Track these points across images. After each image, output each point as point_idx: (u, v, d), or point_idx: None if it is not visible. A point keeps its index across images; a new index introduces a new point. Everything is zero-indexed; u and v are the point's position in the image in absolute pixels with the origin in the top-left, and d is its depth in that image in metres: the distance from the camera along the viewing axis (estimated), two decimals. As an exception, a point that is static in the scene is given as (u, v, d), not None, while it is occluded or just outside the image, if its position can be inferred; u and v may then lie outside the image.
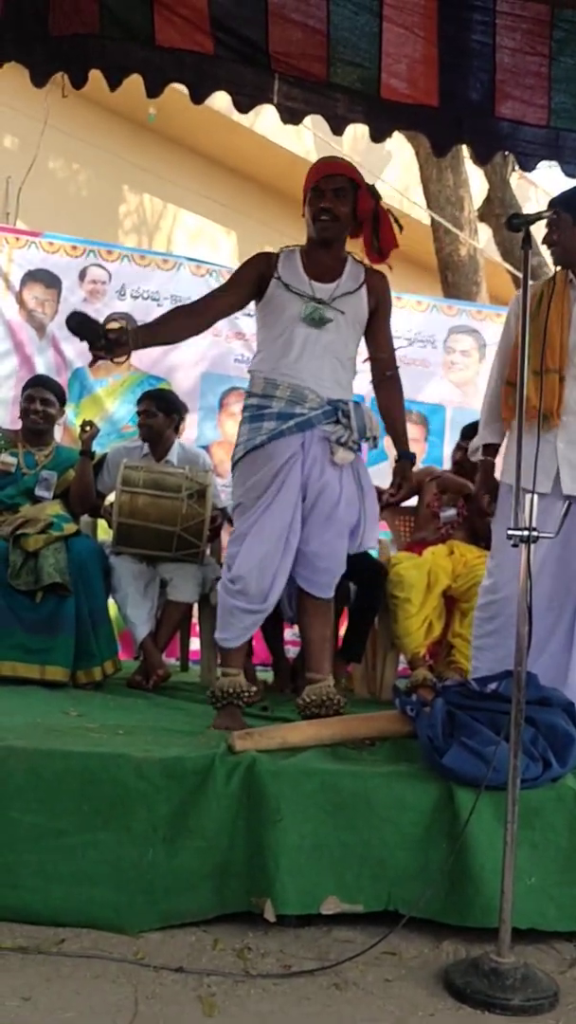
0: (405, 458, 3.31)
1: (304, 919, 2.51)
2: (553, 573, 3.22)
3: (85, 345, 5.81)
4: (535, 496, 2.39)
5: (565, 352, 3.17)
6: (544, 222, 3.29)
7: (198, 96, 3.64)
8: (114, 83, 3.58)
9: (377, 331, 3.29)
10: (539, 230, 2.80)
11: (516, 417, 2.40)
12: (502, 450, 3.44)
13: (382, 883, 2.50)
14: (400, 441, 3.34)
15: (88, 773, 2.52)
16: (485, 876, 2.45)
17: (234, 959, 2.37)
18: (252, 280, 3.16)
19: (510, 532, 2.35)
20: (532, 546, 2.36)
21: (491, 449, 3.46)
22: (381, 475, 5.90)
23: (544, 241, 3.26)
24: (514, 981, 2.22)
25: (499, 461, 3.47)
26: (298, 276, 3.12)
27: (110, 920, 2.44)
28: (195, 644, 4.66)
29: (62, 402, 4.41)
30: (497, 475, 3.42)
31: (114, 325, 2.95)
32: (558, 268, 3.28)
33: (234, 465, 3.12)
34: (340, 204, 3.14)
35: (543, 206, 3.28)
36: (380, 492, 3.52)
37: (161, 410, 4.40)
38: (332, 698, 3.11)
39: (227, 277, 5.79)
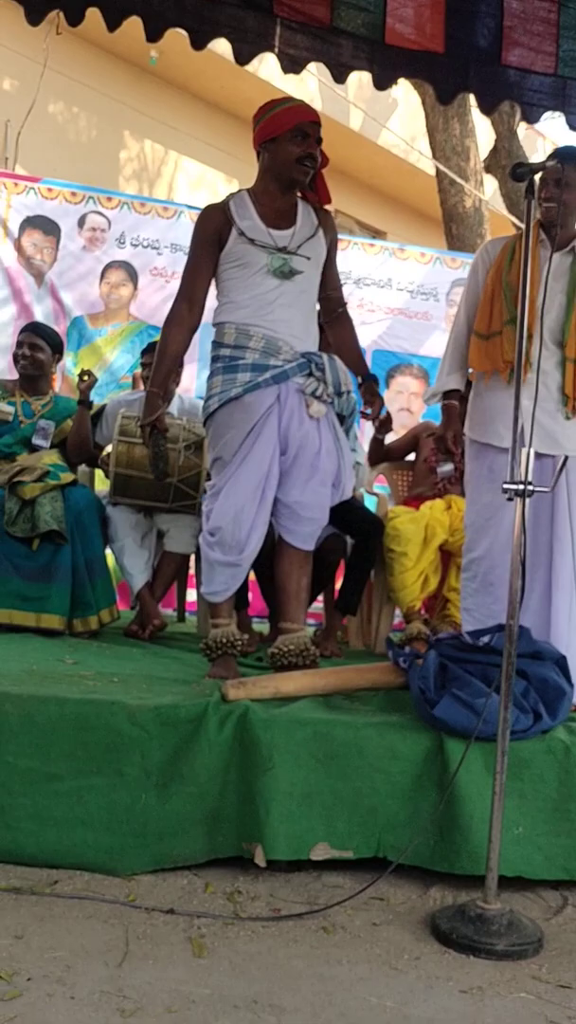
0: (370, 379, 3.28)
1: (294, 865, 2.55)
2: (531, 530, 3.24)
3: (84, 293, 5.76)
4: (530, 451, 2.37)
5: (534, 310, 3.17)
6: (553, 173, 3.27)
7: (198, 43, 3.56)
8: (112, 24, 3.50)
9: (328, 270, 3.23)
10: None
11: (509, 369, 2.38)
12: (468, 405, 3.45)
13: (372, 830, 2.54)
14: (360, 367, 3.31)
15: (82, 719, 2.55)
16: (473, 825, 2.48)
17: (224, 902, 2.41)
18: (213, 240, 3.06)
19: (506, 486, 2.35)
20: (503, 504, 2.36)
21: (452, 395, 3.47)
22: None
23: (542, 195, 3.22)
24: (499, 927, 2.26)
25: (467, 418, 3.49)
26: (256, 226, 3.04)
27: (103, 863, 2.48)
28: (191, 595, 4.68)
29: (56, 350, 4.37)
30: (465, 430, 3.43)
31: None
32: (534, 222, 3.29)
33: (208, 418, 3.08)
34: (317, 152, 3.08)
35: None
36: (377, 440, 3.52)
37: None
38: (307, 648, 3.11)
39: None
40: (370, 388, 3.27)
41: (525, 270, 2.47)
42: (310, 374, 3.04)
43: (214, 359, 3.07)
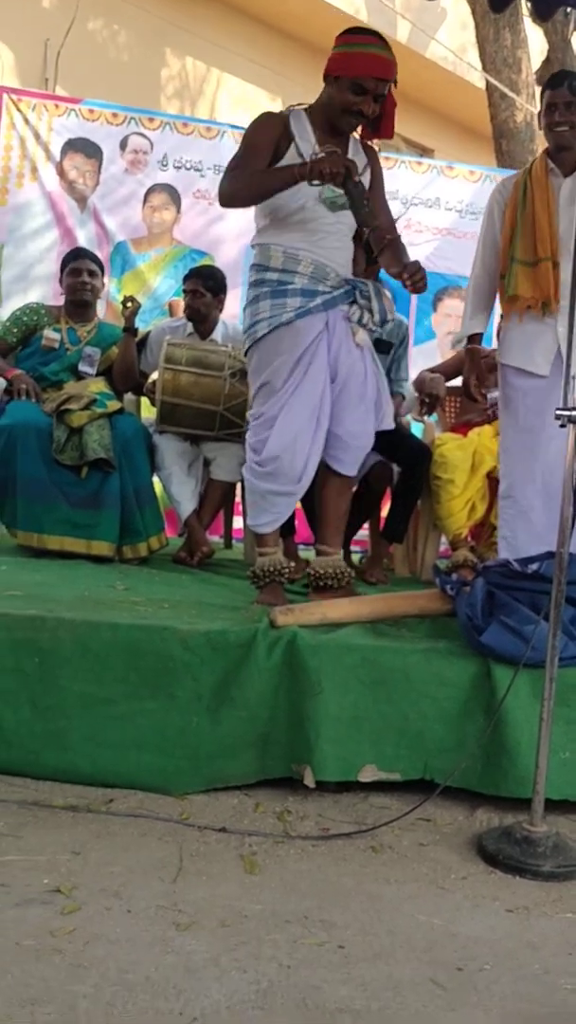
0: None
1: (342, 786, 2.60)
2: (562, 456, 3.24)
3: (126, 217, 5.68)
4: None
5: (555, 238, 3.20)
6: (544, 97, 3.20)
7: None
8: None
9: (377, 202, 3.06)
10: None
11: (556, 298, 2.36)
12: (496, 335, 3.55)
13: (419, 754, 2.58)
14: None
15: (135, 644, 2.59)
16: (520, 749, 2.50)
17: (274, 821, 2.47)
18: (269, 147, 2.92)
19: (559, 412, 2.31)
20: (543, 429, 2.35)
21: (476, 338, 3.52)
22: (429, 353, 5.82)
23: (559, 120, 3.16)
24: (545, 849, 2.30)
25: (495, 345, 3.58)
26: (312, 148, 2.93)
27: (156, 783, 2.55)
28: (238, 522, 4.70)
29: (103, 274, 4.35)
30: (499, 357, 3.46)
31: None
32: (539, 154, 3.32)
33: (254, 343, 3.00)
34: (375, 108, 2.95)
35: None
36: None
37: (209, 290, 4.32)
38: (343, 571, 3.16)
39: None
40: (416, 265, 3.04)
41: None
42: (354, 302, 3.00)
43: (258, 283, 2.98)
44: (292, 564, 3.21)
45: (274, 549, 3.16)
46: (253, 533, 3.33)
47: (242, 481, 4.32)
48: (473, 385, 3.50)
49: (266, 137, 2.93)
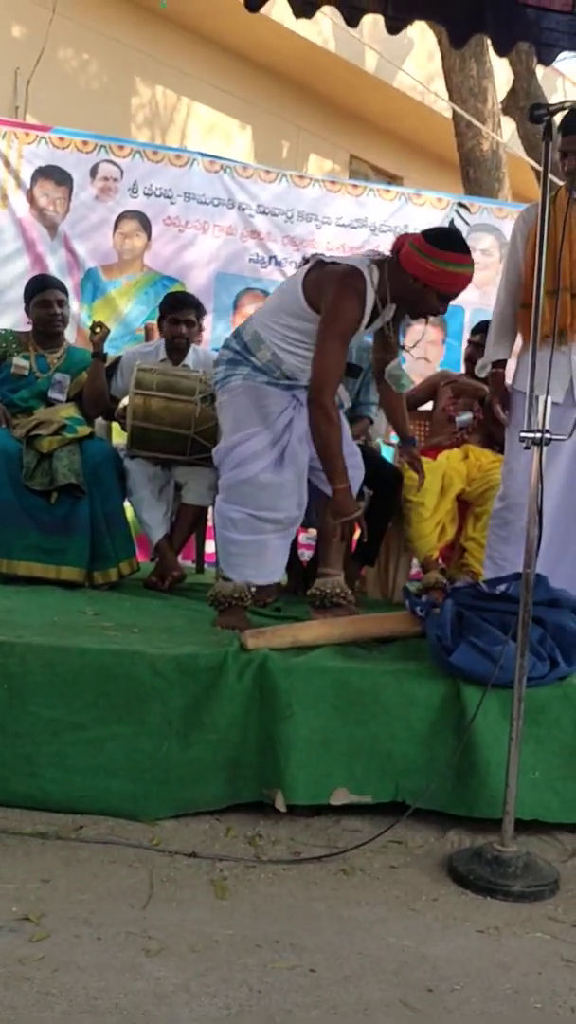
0: (409, 443, 3.64)
1: (314, 809, 2.60)
2: (567, 482, 3.29)
3: (97, 244, 5.76)
4: (548, 399, 2.37)
5: (572, 270, 3.22)
6: (560, 142, 3.26)
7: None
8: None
9: (389, 341, 3.37)
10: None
11: (531, 332, 2.40)
12: (514, 359, 3.54)
13: (390, 776, 2.58)
14: (404, 430, 3.63)
15: (104, 669, 2.58)
16: (490, 770, 2.52)
17: (245, 846, 2.46)
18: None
19: (523, 435, 2.35)
20: (545, 453, 2.39)
21: (500, 364, 3.60)
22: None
23: (564, 167, 3.24)
24: (516, 869, 2.31)
25: (510, 369, 3.56)
26: (367, 316, 3.07)
27: (126, 808, 2.53)
28: (210, 546, 4.70)
29: (68, 299, 4.37)
30: (508, 382, 3.53)
31: None
32: (561, 186, 3.34)
33: (226, 391, 3.16)
34: None
35: (571, 98, 3.22)
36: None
37: (199, 319, 4.37)
38: (344, 591, 3.28)
39: (241, 174, 5.77)
40: (409, 452, 3.65)
41: (544, 217, 2.45)
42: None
43: (240, 359, 3.16)
44: (253, 589, 3.24)
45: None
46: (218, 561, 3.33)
47: (213, 505, 4.35)
48: (496, 409, 3.61)
49: (358, 317, 3.03)
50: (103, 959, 1.86)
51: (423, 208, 6.06)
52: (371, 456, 4.10)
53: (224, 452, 3.16)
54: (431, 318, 3.25)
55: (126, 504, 4.14)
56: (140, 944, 1.93)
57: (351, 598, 3.31)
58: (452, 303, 3.17)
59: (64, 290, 4.33)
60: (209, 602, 3.21)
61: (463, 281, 3.03)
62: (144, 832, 2.48)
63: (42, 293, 4.22)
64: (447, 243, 3.03)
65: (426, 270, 2.97)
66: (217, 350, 5.27)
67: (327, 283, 3.01)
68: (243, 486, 3.09)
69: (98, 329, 4.22)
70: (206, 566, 4.80)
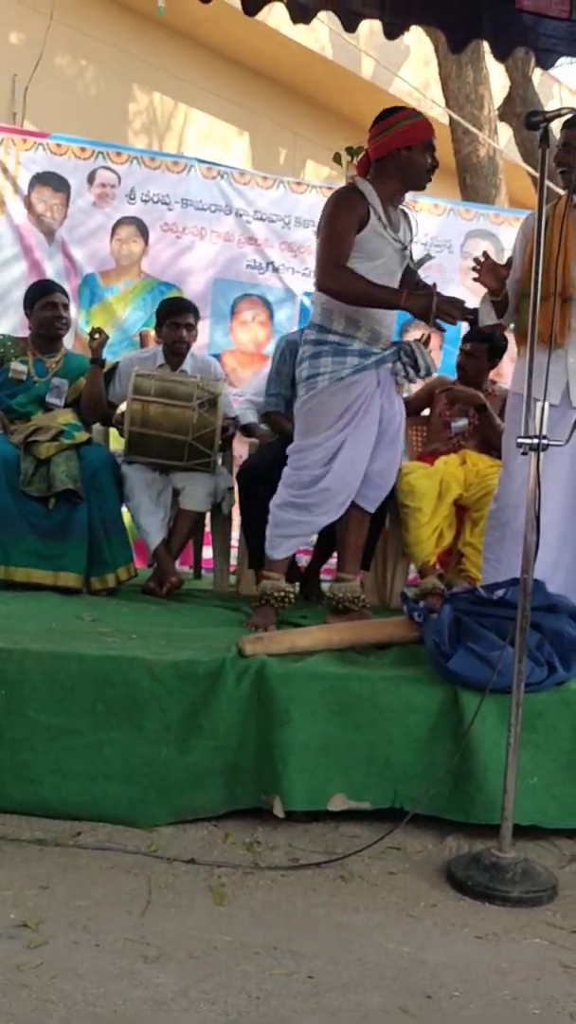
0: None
1: (312, 815, 2.60)
2: (564, 485, 3.28)
3: (94, 250, 5.80)
4: (546, 405, 2.38)
5: (568, 275, 3.23)
6: (560, 136, 3.26)
7: (207, -8, 3.51)
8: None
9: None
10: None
11: (529, 336, 2.40)
12: (512, 366, 3.58)
13: (388, 781, 2.58)
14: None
15: (102, 675, 2.58)
16: (488, 775, 2.52)
17: (244, 852, 2.46)
18: (356, 220, 3.20)
19: (520, 440, 2.35)
20: (542, 456, 2.39)
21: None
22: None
23: (556, 160, 3.23)
24: (514, 875, 2.31)
25: (510, 374, 3.53)
26: (385, 219, 3.25)
27: (124, 815, 2.53)
28: (207, 552, 4.70)
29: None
30: (507, 386, 3.50)
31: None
32: (562, 195, 3.32)
33: (312, 390, 3.26)
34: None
35: (567, 104, 3.24)
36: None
37: (196, 322, 4.39)
38: (359, 596, 3.49)
39: (239, 180, 5.78)
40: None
41: (540, 224, 2.46)
42: (398, 359, 3.32)
43: (319, 342, 3.27)
44: (293, 593, 3.43)
45: (279, 575, 3.40)
46: (266, 559, 3.43)
47: (211, 511, 4.35)
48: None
49: (354, 213, 3.20)
50: (101, 965, 1.86)
51: (420, 214, 6.05)
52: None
53: (292, 450, 3.35)
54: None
55: (124, 510, 4.14)
56: (139, 950, 1.93)
57: (365, 602, 3.49)
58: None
59: (66, 295, 4.35)
60: (249, 602, 3.49)
61: (425, 125, 3.28)
62: (142, 838, 2.48)
63: (47, 296, 4.23)
64: (390, 111, 3.33)
65: (396, 136, 3.23)
66: (214, 355, 5.33)
67: (324, 207, 3.28)
68: (299, 486, 3.28)
69: (97, 335, 4.23)
70: (203, 572, 4.81)
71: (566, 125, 3.29)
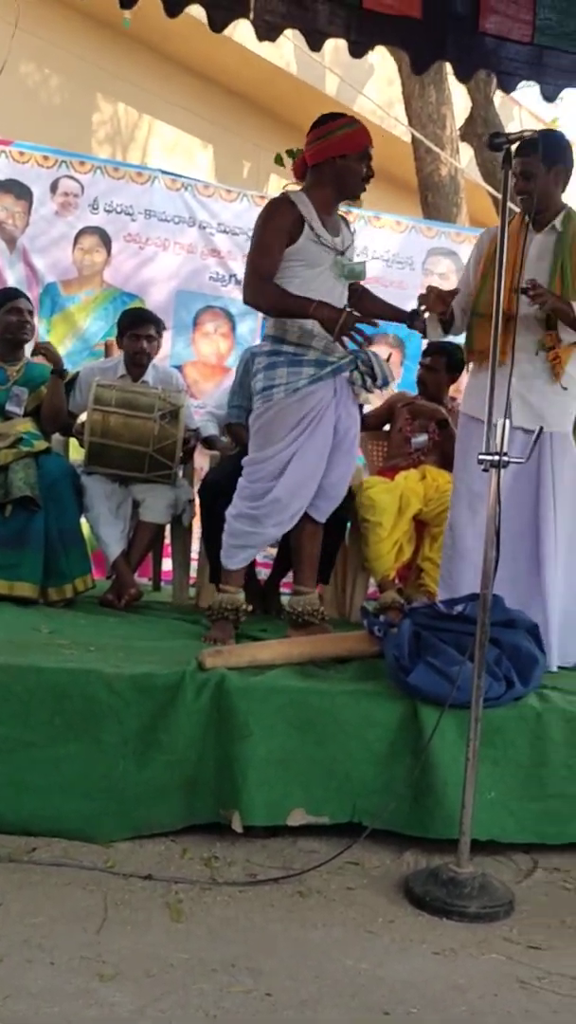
0: (413, 313, 3.52)
1: (271, 830, 2.59)
2: (512, 504, 3.31)
3: (56, 259, 5.74)
4: (506, 423, 2.40)
5: (513, 295, 3.21)
6: (515, 164, 3.30)
7: (172, 9, 3.51)
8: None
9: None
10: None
11: (490, 353, 2.43)
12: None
13: (347, 796, 2.58)
14: (399, 312, 3.56)
15: (59, 688, 2.56)
16: (447, 790, 2.52)
17: (201, 868, 2.44)
18: (286, 231, 3.20)
19: (481, 457, 2.37)
20: (483, 475, 2.42)
21: None
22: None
23: (516, 188, 3.27)
24: (471, 889, 2.31)
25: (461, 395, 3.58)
26: (320, 228, 3.24)
27: (81, 830, 2.50)
28: (167, 564, 4.68)
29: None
30: (460, 407, 3.58)
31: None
32: (518, 212, 3.37)
33: (268, 402, 3.24)
34: None
35: (527, 126, 3.29)
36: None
37: (159, 334, 4.37)
38: (318, 608, 3.47)
39: (202, 192, 5.78)
40: (415, 315, 3.53)
41: (502, 244, 2.49)
42: (356, 368, 3.31)
43: (275, 353, 3.26)
44: (249, 608, 3.43)
45: (236, 589, 3.37)
46: (222, 571, 3.41)
47: (171, 523, 4.33)
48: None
49: (282, 223, 3.21)
50: (56, 984, 1.83)
51: (382, 231, 6.12)
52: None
53: (247, 462, 3.33)
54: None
55: (83, 521, 4.11)
56: (94, 968, 1.90)
57: (323, 614, 3.47)
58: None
59: (31, 302, 4.33)
60: (206, 614, 3.42)
61: (364, 134, 3.25)
62: (98, 854, 2.45)
63: (12, 301, 4.21)
64: (327, 117, 3.30)
65: (332, 144, 3.22)
66: (176, 367, 5.32)
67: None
68: (252, 498, 3.26)
69: (43, 349, 4.23)
70: (163, 584, 4.78)
71: (519, 152, 3.31)
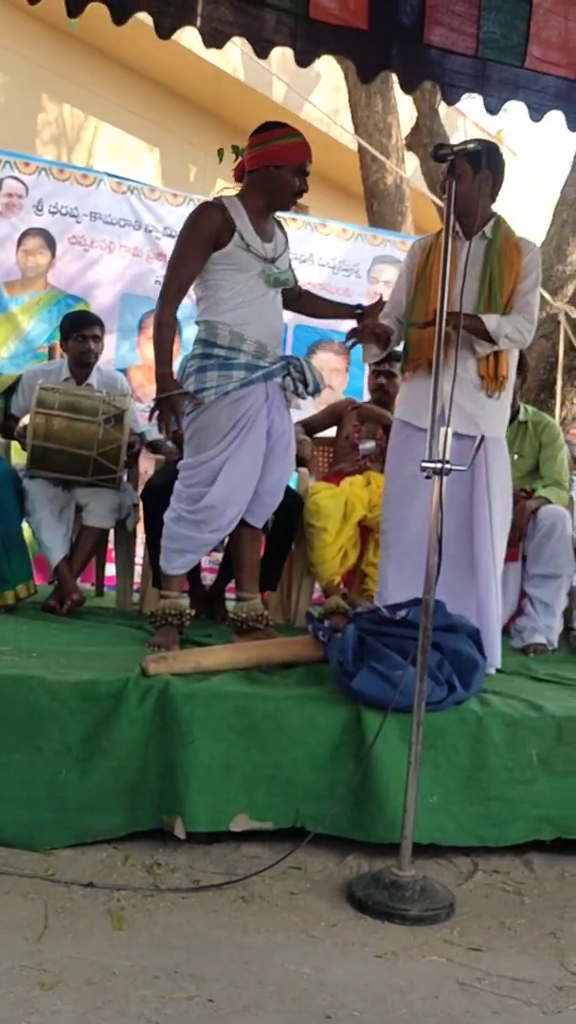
0: (359, 308, 3.57)
1: (213, 836, 2.58)
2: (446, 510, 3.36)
3: None
4: (449, 431, 2.43)
5: (451, 301, 3.24)
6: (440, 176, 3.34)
7: (119, 17, 3.50)
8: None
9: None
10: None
11: (433, 361, 2.47)
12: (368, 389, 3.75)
13: (290, 801, 2.58)
14: (346, 309, 3.63)
15: (1, 695, 2.52)
16: (389, 794, 2.54)
17: (144, 875, 2.43)
18: (211, 238, 3.19)
19: (424, 464, 2.39)
20: (419, 479, 2.46)
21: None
22: (303, 404, 5.95)
23: (441, 188, 3.29)
24: (413, 893, 2.33)
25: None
26: (251, 235, 3.23)
27: (21, 837, 2.47)
28: (110, 569, 4.65)
29: None
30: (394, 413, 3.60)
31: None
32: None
33: (198, 406, 3.21)
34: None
35: (472, 137, 3.33)
36: None
37: (102, 336, 4.34)
38: (262, 614, 3.45)
39: (148, 196, 5.76)
40: (368, 310, 3.52)
41: (445, 258, 2.52)
42: (288, 375, 3.31)
43: (206, 356, 3.23)
44: (192, 612, 3.39)
45: (178, 594, 3.35)
46: (162, 576, 3.39)
47: (115, 528, 4.30)
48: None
49: (206, 230, 3.19)
50: (-5, 995, 1.81)
51: (328, 238, 6.16)
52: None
53: (182, 466, 3.30)
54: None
55: (24, 525, 4.06)
56: (35, 977, 1.88)
57: (269, 620, 3.45)
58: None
59: None
60: (148, 620, 3.37)
61: (303, 148, 3.23)
62: (39, 862, 2.42)
63: None
64: (270, 125, 3.29)
65: (269, 154, 3.21)
66: (121, 370, 5.29)
67: None
68: (190, 502, 3.23)
69: None
70: (106, 589, 4.75)
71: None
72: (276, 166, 3.21)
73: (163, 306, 3.20)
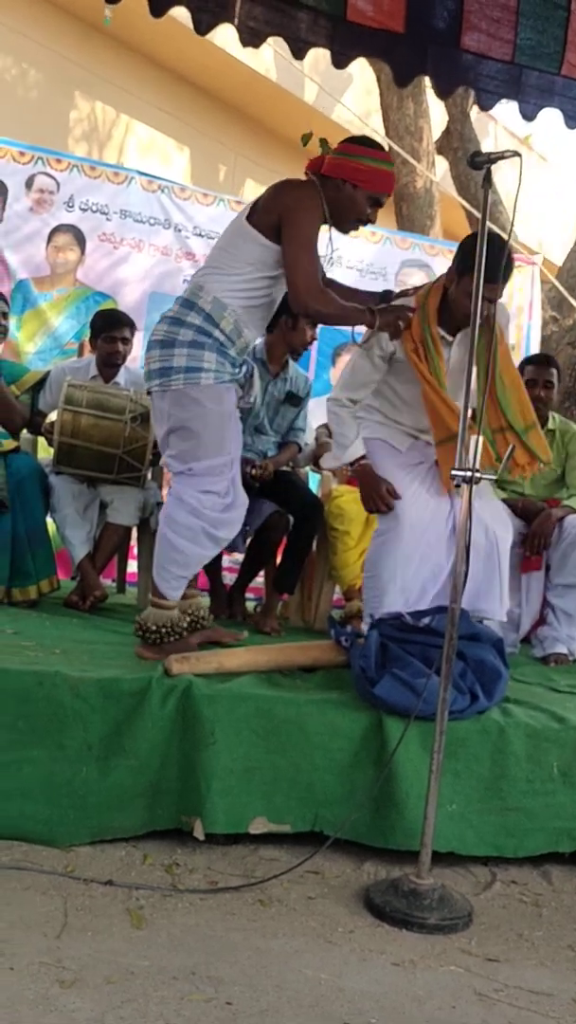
0: (386, 294, 3.32)
1: (232, 838, 2.58)
2: (441, 523, 3.34)
3: (29, 255, 5.68)
4: (479, 440, 2.42)
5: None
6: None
7: (157, 10, 3.51)
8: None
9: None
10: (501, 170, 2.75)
11: (465, 370, 2.46)
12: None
13: (310, 805, 2.58)
14: (372, 297, 3.29)
15: (24, 691, 2.54)
16: (409, 802, 2.54)
17: (162, 874, 2.43)
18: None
19: (454, 472, 2.39)
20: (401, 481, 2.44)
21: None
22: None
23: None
24: (431, 901, 2.33)
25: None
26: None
27: (41, 834, 2.48)
28: (132, 566, 4.66)
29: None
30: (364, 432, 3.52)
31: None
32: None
33: (189, 381, 2.90)
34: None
35: (501, 142, 3.30)
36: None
37: (132, 336, 4.36)
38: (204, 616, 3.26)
39: (179, 195, 5.77)
40: (387, 296, 3.30)
41: (479, 279, 2.50)
42: (239, 382, 3.14)
43: (204, 332, 2.91)
44: (184, 624, 3.09)
45: (174, 604, 3.07)
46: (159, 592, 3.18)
47: (138, 525, 4.31)
48: (385, 493, 3.52)
49: (320, 215, 2.95)
50: (15, 991, 1.81)
51: (356, 241, 6.15)
52: (294, 484, 4.14)
53: (201, 470, 2.95)
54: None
55: (49, 521, 4.08)
56: (54, 975, 1.89)
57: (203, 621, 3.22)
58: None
59: (7, 303, 4.26)
60: (135, 632, 3.07)
61: (390, 180, 3.01)
62: (59, 858, 2.43)
63: None
64: (370, 143, 3.05)
65: (357, 170, 2.93)
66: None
67: (281, 197, 2.91)
68: (216, 512, 2.96)
69: None
70: (128, 586, 4.76)
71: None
72: (355, 184, 2.94)
73: (321, 296, 2.88)
